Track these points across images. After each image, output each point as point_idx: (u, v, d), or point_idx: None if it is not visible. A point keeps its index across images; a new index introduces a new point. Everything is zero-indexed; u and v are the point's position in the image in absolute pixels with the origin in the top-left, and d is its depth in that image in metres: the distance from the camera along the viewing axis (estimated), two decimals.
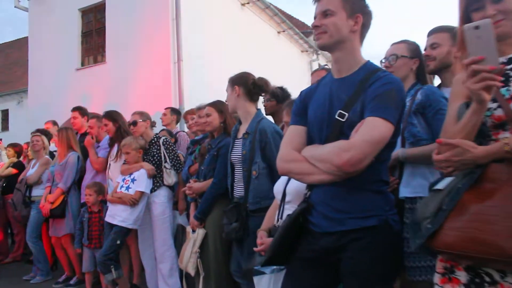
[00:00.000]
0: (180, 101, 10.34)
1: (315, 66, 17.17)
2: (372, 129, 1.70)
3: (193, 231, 3.49)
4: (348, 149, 1.68)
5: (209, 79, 10.83)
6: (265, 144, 2.93)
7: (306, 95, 2.08)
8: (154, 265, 4.36)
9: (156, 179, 4.30)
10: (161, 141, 4.38)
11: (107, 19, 11.50)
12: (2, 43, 27.14)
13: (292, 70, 15.40)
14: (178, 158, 4.42)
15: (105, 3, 11.51)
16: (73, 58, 11.93)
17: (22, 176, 5.86)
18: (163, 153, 4.33)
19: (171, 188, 4.41)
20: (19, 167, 6.66)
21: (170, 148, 4.38)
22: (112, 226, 4.13)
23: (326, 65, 17.66)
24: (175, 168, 4.37)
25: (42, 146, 5.79)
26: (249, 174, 2.93)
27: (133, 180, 4.17)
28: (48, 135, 6.09)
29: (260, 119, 3.06)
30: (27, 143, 7.15)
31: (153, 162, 4.31)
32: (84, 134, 5.69)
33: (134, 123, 4.33)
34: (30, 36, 12.96)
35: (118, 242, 4.05)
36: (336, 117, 1.82)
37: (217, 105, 3.63)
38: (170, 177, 4.30)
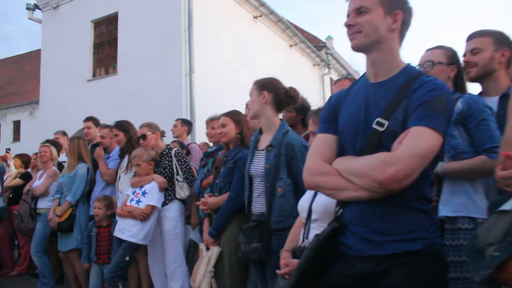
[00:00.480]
0: (191, 113, 10.18)
1: (327, 80, 17.06)
2: (420, 141, 1.47)
3: (207, 248, 3.25)
4: (392, 163, 1.45)
5: (220, 91, 10.68)
6: (291, 159, 2.68)
7: (336, 100, 1.83)
8: (164, 282, 4.12)
9: (168, 192, 4.08)
10: (173, 152, 4.17)
11: (119, 31, 11.46)
12: (16, 55, 27.37)
13: (304, 84, 15.15)
14: (190, 170, 4.20)
15: (117, 15, 11.47)
16: (85, 69, 11.88)
17: (28, 187, 5.67)
18: (175, 165, 4.11)
19: (183, 201, 4.18)
20: (26, 178, 6.48)
21: (183, 160, 4.17)
22: (121, 241, 3.91)
23: (349, 74, 17.43)
24: (188, 180, 4.15)
25: (50, 157, 5.60)
26: (272, 190, 2.68)
27: (144, 193, 3.96)
28: (58, 146, 5.91)
29: (286, 132, 2.80)
30: (36, 154, 7.00)
31: (165, 174, 4.09)
32: (96, 145, 5.52)
33: (144, 137, 4.14)
34: (43, 47, 12.96)
35: (127, 258, 3.82)
36: (374, 126, 1.59)
37: (233, 115, 3.41)
38: (182, 190, 4.07)
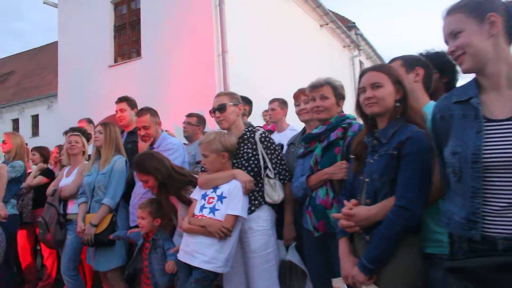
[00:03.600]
0: None
1: (357, 63, 15.62)
2: None
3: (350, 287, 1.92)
4: None
5: (255, 72, 9.36)
6: None
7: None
8: None
9: (254, 195, 2.76)
10: (257, 136, 2.84)
11: (142, 11, 10.11)
12: (32, 49, 26.15)
13: (334, 66, 13.80)
14: (283, 162, 2.87)
15: None
16: (106, 55, 10.54)
17: (53, 187, 4.35)
18: (262, 154, 2.78)
19: (273, 207, 2.85)
20: (49, 175, 5.20)
21: (272, 147, 2.83)
22: (189, 268, 2.60)
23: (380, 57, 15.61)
24: (281, 177, 2.82)
25: (82, 148, 4.31)
26: None
27: (221, 198, 2.63)
28: (87, 136, 4.59)
29: None
30: (59, 147, 5.69)
31: (248, 168, 2.76)
32: (132, 132, 4.21)
33: (222, 108, 2.81)
34: (59, 33, 11.63)
35: None
36: None
37: (389, 70, 2.05)
38: (275, 191, 2.73)
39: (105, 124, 3.76)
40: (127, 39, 10.56)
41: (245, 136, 2.87)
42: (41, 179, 5.14)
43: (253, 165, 2.76)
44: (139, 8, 10.19)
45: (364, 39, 16.20)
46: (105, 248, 3.57)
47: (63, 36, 11.51)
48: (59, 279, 5.33)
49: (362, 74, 2.10)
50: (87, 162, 4.27)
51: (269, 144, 2.81)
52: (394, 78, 1.99)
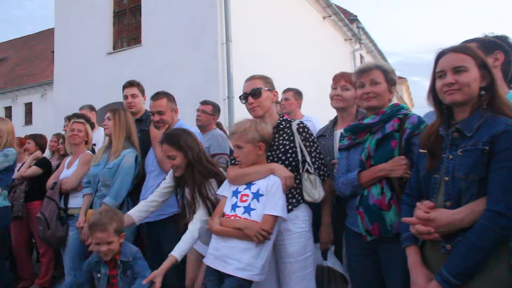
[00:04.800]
0: (228, 87, 8.44)
1: (358, 56, 15.29)
2: None
3: None
4: None
5: (259, 62, 8.94)
6: None
7: None
8: None
9: (291, 193, 2.38)
10: (294, 126, 2.45)
11: None
12: (25, 36, 25.38)
13: (335, 58, 13.46)
14: (322, 156, 2.49)
15: None
16: (104, 42, 10.08)
17: (54, 179, 3.92)
18: (300, 146, 2.40)
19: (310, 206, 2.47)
20: (45, 166, 4.75)
21: (311, 139, 2.45)
22: (219, 275, 2.22)
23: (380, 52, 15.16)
24: (321, 172, 2.44)
25: (85, 138, 3.88)
26: None
27: (257, 196, 2.24)
28: (91, 123, 4.16)
29: None
30: (57, 135, 5.25)
31: (286, 162, 2.37)
32: (140, 120, 3.80)
33: (256, 93, 2.42)
34: (56, 19, 11.12)
35: None
36: None
37: (471, 50, 1.71)
38: (315, 189, 2.34)
39: (114, 109, 3.33)
40: (127, 26, 10.08)
41: (281, 126, 2.48)
42: (35, 170, 4.69)
43: (290, 159, 2.37)
44: None
45: (365, 33, 15.85)
46: None
47: (60, 22, 10.99)
48: (56, 276, 4.95)
49: (440, 55, 1.74)
50: (89, 151, 3.86)
51: (307, 136, 2.43)
52: (480, 61, 1.66)
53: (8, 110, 20.44)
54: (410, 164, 2.04)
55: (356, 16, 15.13)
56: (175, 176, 2.67)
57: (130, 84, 3.90)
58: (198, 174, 2.52)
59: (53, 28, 11.53)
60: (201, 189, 2.52)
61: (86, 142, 3.89)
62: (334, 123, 2.88)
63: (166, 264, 2.32)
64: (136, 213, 2.73)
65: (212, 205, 2.48)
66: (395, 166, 2.04)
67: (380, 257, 2.13)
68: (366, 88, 2.25)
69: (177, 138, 2.58)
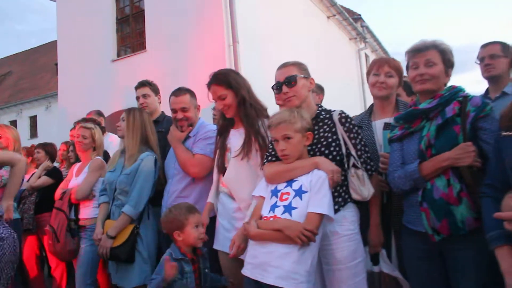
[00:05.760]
0: None
1: (363, 56, 15.01)
2: None
3: None
4: None
5: (266, 64, 8.65)
6: None
7: None
8: None
9: (337, 191, 2.06)
10: (336, 116, 2.14)
11: (146, 1, 9.39)
12: (28, 49, 25.27)
13: (341, 58, 13.18)
14: (367, 149, 2.18)
15: None
16: (108, 49, 9.79)
17: (62, 189, 3.61)
18: (343, 139, 2.09)
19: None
20: (56, 175, 4.46)
21: (355, 130, 2.14)
22: (261, 286, 1.90)
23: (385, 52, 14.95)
24: (368, 167, 2.13)
25: (92, 144, 3.57)
26: None
27: (299, 193, 1.93)
28: (102, 128, 3.86)
29: None
30: (66, 143, 4.97)
31: (328, 157, 2.05)
32: (157, 122, 3.51)
33: (291, 80, 2.12)
34: (59, 28, 10.86)
35: None
36: None
37: None
38: (364, 186, 2.03)
39: (129, 109, 3.03)
40: (130, 32, 9.82)
41: (320, 117, 2.18)
42: (45, 180, 4.41)
43: (334, 153, 2.06)
44: None
45: (370, 32, 15.55)
46: (125, 264, 2.85)
47: (62, 31, 10.74)
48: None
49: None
50: (99, 157, 3.56)
51: (351, 127, 2.12)
52: None
53: (14, 123, 20.21)
54: (478, 151, 1.74)
55: (360, 15, 14.86)
56: (220, 123, 2.57)
57: (141, 84, 3.64)
58: (252, 110, 2.36)
59: (56, 41, 11.31)
60: (255, 126, 2.35)
61: (95, 148, 3.59)
62: (369, 113, 2.59)
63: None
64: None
65: (265, 145, 2.29)
66: (462, 154, 1.74)
67: (448, 260, 1.82)
68: (420, 69, 1.96)
69: (225, 77, 2.43)
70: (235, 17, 8.30)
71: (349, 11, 14.58)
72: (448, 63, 1.97)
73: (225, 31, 8.28)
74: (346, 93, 12.29)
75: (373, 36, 15.93)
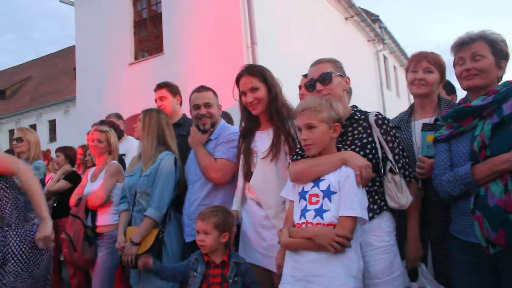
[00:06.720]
0: None
1: (381, 57, 14.74)
2: None
3: None
4: None
5: (284, 65, 8.51)
6: None
7: None
8: None
9: (372, 197, 1.88)
10: (371, 118, 1.97)
11: (163, 4, 9.36)
12: (47, 55, 25.65)
13: (359, 60, 12.93)
14: (406, 154, 2.00)
15: None
16: (125, 52, 9.80)
17: (78, 195, 3.48)
18: (379, 141, 1.92)
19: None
20: (75, 180, 4.37)
21: (392, 133, 1.96)
22: None
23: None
24: (406, 173, 1.95)
25: (108, 148, 3.46)
26: None
27: (328, 194, 1.75)
28: (118, 131, 3.76)
29: None
30: (83, 147, 4.89)
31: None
32: (177, 125, 3.38)
33: (326, 78, 1.96)
34: (77, 32, 10.91)
35: None
36: None
37: None
38: (402, 193, 1.85)
39: (146, 110, 2.90)
40: (148, 35, 9.80)
41: (355, 117, 2.00)
42: (64, 184, 4.34)
43: (370, 156, 1.88)
44: (160, 2, 9.44)
45: (388, 33, 15.27)
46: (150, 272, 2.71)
47: (80, 35, 10.79)
48: None
49: None
50: (115, 162, 3.45)
51: (388, 129, 1.94)
52: None
53: (33, 128, 20.49)
54: None
55: (378, 16, 14.60)
56: (243, 125, 2.44)
57: (158, 86, 3.56)
58: (284, 109, 2.27)
59: (74, 46, 11.37)
60: (286, 125, 2.23)
61: (110, 152, 3.48)
62: (410, 112, 2.41)
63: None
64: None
65: (294, 145, 2.17)
66: None
67: (505, 277, 1.63)
68: (466, 64, 1.79)
69: (261, 69, 2.35)
70: (253, 18, 8.19)
71: (366, 12, 14.33)
72: (499, 54, 1.79)
73: (243, 32, 8.17)
74: (365, 95, 12.06)
75: (391, 37, 15.63)
